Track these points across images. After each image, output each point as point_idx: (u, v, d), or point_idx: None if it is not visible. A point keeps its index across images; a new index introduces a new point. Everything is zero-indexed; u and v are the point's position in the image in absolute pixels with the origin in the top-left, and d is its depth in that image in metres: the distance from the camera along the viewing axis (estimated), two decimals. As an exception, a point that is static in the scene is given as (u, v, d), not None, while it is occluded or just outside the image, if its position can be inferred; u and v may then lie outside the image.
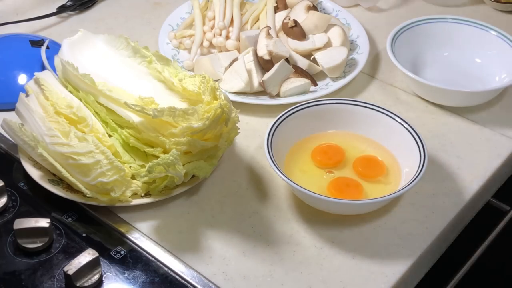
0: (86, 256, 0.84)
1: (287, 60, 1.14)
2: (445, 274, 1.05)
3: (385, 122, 1.01)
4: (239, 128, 1.00)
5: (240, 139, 1.06)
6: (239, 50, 1.19)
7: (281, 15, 1.24)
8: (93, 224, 0.93)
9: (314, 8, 1.24)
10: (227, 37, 1.21)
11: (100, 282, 0.86)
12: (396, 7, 1.38)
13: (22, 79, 1.11)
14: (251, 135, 1.07)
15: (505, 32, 1.18)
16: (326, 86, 1.14)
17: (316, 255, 0.91)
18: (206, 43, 1.21)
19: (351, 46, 1.22)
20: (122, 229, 0.93)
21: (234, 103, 1.06)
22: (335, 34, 1.19)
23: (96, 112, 1.00)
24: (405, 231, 0.94)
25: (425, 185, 0.98)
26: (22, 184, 0.98)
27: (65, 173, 0.92)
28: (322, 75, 1.17)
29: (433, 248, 0.94)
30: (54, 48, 1.12)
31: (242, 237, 0.93)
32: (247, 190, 0.99)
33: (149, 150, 0.96)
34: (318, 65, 1.16)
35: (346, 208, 0.94)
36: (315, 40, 1.18)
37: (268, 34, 1.15)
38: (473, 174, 1.02)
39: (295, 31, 1.18)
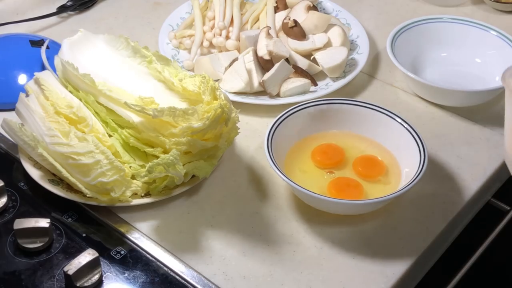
0: (86, 256, 0.84)
1: (287, 60, 1.14)
2: (445, 274, 1.05)
3: (385, 122, 1.01)
4: (239, 128, 1.00)
5: (240, 139, 1.06)
6: (239, 50, 1.19)
7: (281, 15, 1.24)
8: (93, 224, 0.93)
9: (314, 8, 1.24)
10: (227, 37, 1.21)
11: (100, 282, 0.86)
12: (396, 7, 1.38)
13: (22, 79, 1.11)
14: (251, 135, 1.07)
15: (505, 32, 1.18)
16: (326, 86, 1.14)
17: (316, 255, 0.91)
18: (206, 43, 1.21)
19: (351, 46, 1.22)
20: (122, 229, 0.93)
21: (234, 103, 1.06)
22: (335, 34, 1.19)
23: (96, 112, 1.00)
24: (405, 231, 0.94)
25: (425, 185, 0.98)
26: (22, 184, 0.98)
27: (65, 173, 0.92)
28: (322, 75, 1.17)
29: (433, 248, 0.94)
30: (54, 48, 1.12)
31: (242, 237, 0.93)
32: (247, 190, 0.99)
33: (149, 150, 0.96)
34: (318, 65, 1.16)
35: (346, 208, 0.94)
36: (315, 40, 1.18)
37: (268, 34, 1.15)
38: (473, 174, 1.02)
39: (295, 31, 1.18)
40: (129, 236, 0.92)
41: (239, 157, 1.04)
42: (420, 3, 1.39)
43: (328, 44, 1.18)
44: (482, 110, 1.13)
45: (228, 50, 1.19)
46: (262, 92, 1.13)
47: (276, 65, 1.11)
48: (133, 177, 0.95)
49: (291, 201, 0.97)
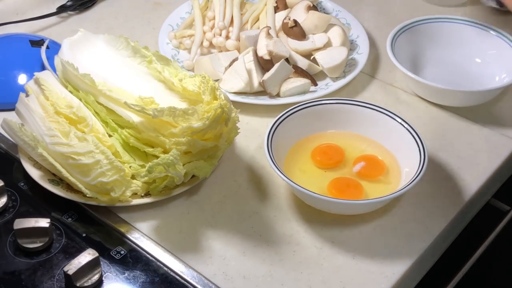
0: (86, 256, 0.84)
1: (287, 60, 1.14)
2: (445, 274, 1.05)
3: (385, 122, 1.01)
4: (239, 128, 1.00)
5: (240, 139, 1.06)
6: (239, 50, 1.19)
7: (281, 15, 1.24)
8: (93, 224, 0.93)
9: (314, 8, 1.24)
10: (227, 37, 1.21)
11: (100, 282, 0.86)
12: (396, 7, 1.38)
13: (22, 79, 1.11)
14: (251, 135, 1.07)
15: (505, 32, 1.18)
16: (326, 86, 1.14)
17: (316, 255, 0.91)
18: (206, 43, 1.21)
19: (351, 46, 1.22)
20: (122, 229, 0.93)
21: (234, 103, 1.06)
22: (335, 34, 1.19)
23: (96, 112, 1.00)
24: (405, 231, 0.94)
25: (425, 185, 0.98)
26: (22, 184, 0.98)
27: (65, 173, 0.92)
28: (322, 75, 1.17)
29: (433, 248, 0.94)
30: (54, 48, 1.12)
31: (242, 237, 0.93)
32: (247, 190, 0.99)
33: (149, 150, 0.96)
34: (318, 65, 1.16)
35: (346, 208, 0.94)
36: (315, 40, 1.18)
37: (268, 34, 1.15)
38: (473, 174, 1.02)
39: (295, 31, 1.18)
40: (129, 236, 0.92)
41: (239, 157, 1.04)
42: (420, 3, 1.39)
43: (328, 44, 1.18)
44: (482, 110, 1.13)
45: (228, 50, 1.19)
46: (262, 92, 1.13)
47: (276, 65, 1.11)
48: (133, 177, 0.95)
49: (291, 201, 0.97)
